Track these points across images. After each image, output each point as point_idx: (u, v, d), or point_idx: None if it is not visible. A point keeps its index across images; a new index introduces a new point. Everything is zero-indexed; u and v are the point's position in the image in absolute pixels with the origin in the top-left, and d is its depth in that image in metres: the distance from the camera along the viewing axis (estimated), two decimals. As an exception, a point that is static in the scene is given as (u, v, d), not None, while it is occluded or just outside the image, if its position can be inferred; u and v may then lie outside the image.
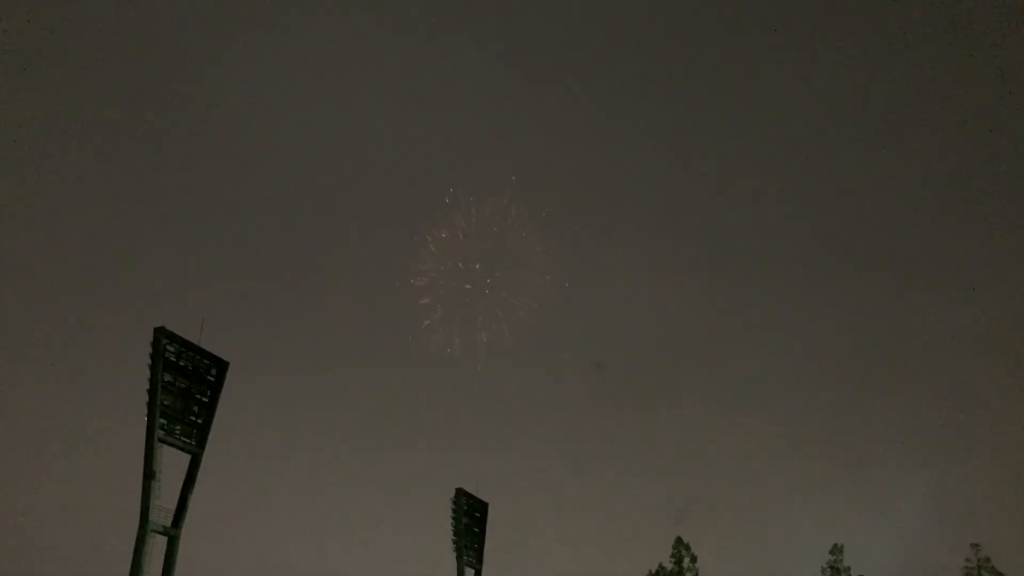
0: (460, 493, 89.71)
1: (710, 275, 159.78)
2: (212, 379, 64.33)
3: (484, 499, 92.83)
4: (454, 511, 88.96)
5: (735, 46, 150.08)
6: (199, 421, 63.05)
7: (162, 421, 59.71)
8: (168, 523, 59.39)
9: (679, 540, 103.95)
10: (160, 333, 60.70)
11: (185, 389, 62.21)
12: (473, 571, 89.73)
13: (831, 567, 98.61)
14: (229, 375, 65.16)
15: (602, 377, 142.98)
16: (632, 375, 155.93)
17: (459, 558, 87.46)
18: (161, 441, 59.26)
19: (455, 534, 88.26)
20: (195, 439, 62.57)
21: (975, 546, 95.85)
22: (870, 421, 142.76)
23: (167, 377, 60.71)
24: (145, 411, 59.32)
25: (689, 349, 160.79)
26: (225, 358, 65.00)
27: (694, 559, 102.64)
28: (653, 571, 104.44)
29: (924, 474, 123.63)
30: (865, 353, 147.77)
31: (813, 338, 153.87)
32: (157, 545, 58.28)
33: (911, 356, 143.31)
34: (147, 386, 59.80)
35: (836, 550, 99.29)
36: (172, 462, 60.37)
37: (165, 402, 60.18)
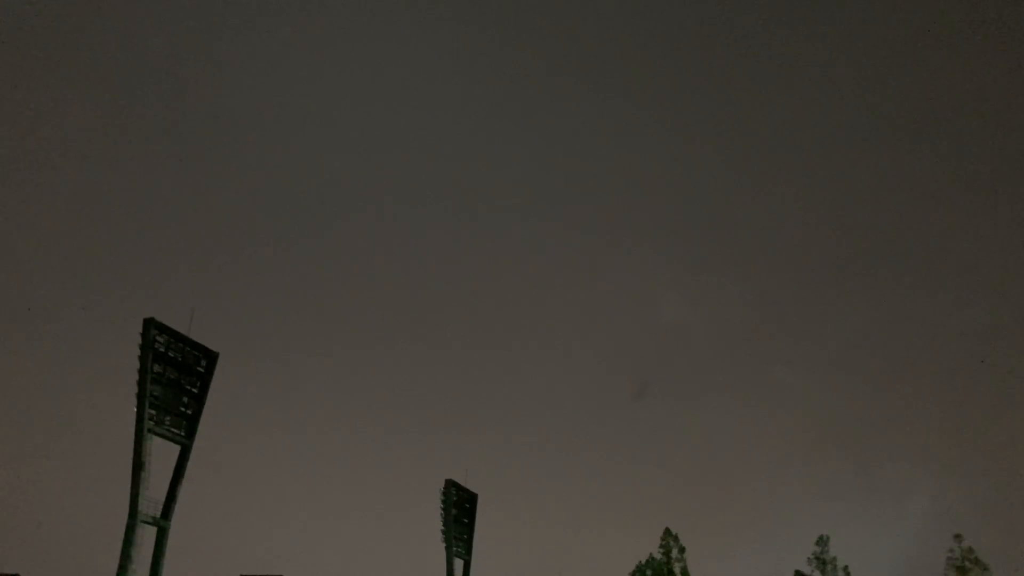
0: (449, 484, 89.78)
1: (722, 275, 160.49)
2: (202, 370, 64.23)
3: (473, 490, 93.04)
4: (443, 502, 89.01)
5: (760, 50, 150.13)
6: (189, 412, 62.98)
7: (152, 412, 59.57)
8: (157, 514, 59.40)
9: (667, 531, 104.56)
10: (150, 324, 60.44)
11: (175, 380, 62.07)
12: (462, 562, 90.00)
13: (817, 558, 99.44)
14: (219, 366, 65.24)
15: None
16: (630, 373, 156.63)
17: (448, 549, 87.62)
18: (151, 432, 59.13)
19: (444, 525, 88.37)
20: (185, 430, 62.50)
21: (958, 537, 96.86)
22: (876, 421, 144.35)
23: (157, 368, 60.54)
24: (135, 402, 59.24)
25: (689, 349, 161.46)
26: (215, 349, 65.08)
27: (682, 550, 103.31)
28: (642, 562, 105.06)
29: (922, 471, 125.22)
30: (879, 355, 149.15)
31: (829, 341, 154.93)
32: (146, 536, 58.41)
33: (919, 356, 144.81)
34: (136, 377, 59.68)
35: (822, 541, 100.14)
36: (162, 453, 60.43)
37: (155, 393, 60.03)
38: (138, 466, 57.84)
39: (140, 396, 59.21)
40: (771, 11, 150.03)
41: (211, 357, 64.88)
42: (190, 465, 62.58)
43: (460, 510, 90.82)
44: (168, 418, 61.31)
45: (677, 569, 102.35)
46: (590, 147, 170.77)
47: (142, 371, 59.68)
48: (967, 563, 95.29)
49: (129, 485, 57.56)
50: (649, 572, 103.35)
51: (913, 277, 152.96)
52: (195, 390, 63.67)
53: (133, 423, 58.85)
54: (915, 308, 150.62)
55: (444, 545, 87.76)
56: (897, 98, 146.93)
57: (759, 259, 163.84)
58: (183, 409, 62.63)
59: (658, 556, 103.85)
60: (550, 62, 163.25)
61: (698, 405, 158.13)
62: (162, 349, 61.29)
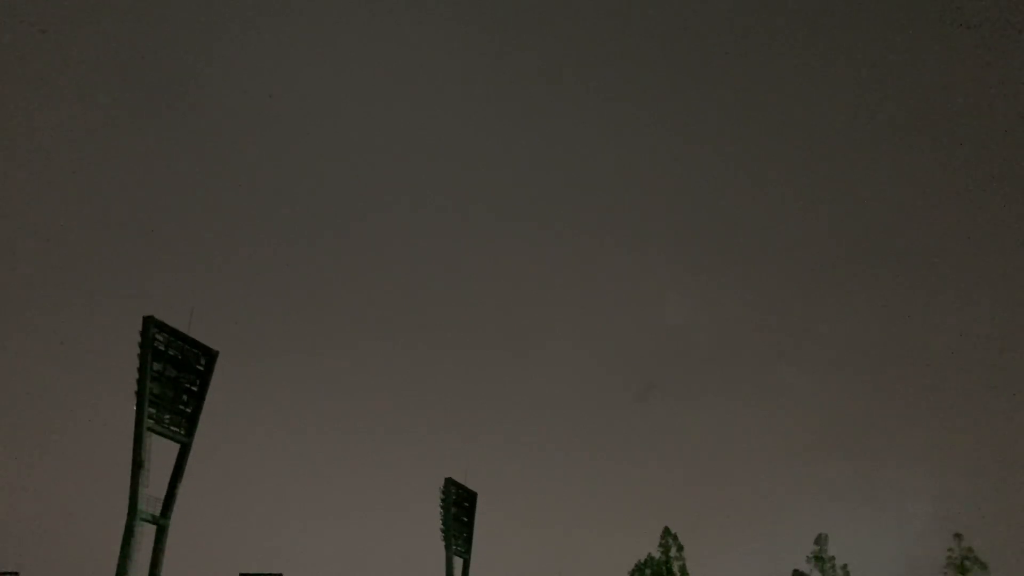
0: (449, 482, 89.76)
1: (723, 276, 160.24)
2: (201, 368, 64.10)
3: (473, 488, 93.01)
4: (443, 500, 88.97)
5: (760, 51, 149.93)
6: (188, 410, 62.86)
7: (151, 410, 59.49)
8: (157, 512, 59.35)
9: (667, 530, 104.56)
10: (149, 322, 60.32)
11: (174, 378, 61.96)
12: (462, 560, 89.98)
13: (816, 557, 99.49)
14: (218, 364, 65.14)
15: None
16: (630, 373, 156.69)
17: (448, 547, 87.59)
18: (150, 430, 59.04)
19: (444, 523, 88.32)
20: (184, 428, 62.39)
21: (958, 536, 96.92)
22: (876, 421, 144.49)
23: (156, 366, 60.43)
24: (134, 400, 59.20)
25: (689, 349, 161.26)
26: (214, 347, 64.98)
27: (681, 549, 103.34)
28: (641, 561, 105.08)
29: (923, 472, 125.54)
30: (879, 355, 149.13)
31: (829, 341, 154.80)
32: (146, 534, 58.38)
33: (919, 356, 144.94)
34: (136, 375, 59.60)
35: (820, 540, 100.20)
36: (161, 451, 60.38)
37: (154, 391, 59.94)
38: (137, 464, 57.78)
39: (139, 394, 59.11)
40: (771, 11, 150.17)
41: (211, 355, 64.78)
42: (189, 463, 62.57)
43: (460, 509, 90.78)
44: (168, 416, 61.22)
45: (676, 568, 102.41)
46: (590, 148, 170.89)
47: (142, 369, 59.58)
48: (966, 563, 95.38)
49: (128, 483, 57.62)
50: (648, 571, 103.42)
51: (913, 277, 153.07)
52: (195, 388, 63.56)
53: (132, 421, 58.93)
54: (915, 308, 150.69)
55: (444, 544, 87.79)
56: (897, 98, 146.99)
57: (760, 260, 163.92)
58: (183, 407, 62.54)
59: (657, 555, 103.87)
60: (551, 62, 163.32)
61: (698, 405, 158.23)
62: (162, 347, 61.19)
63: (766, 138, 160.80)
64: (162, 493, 60.32)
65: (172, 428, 61.50)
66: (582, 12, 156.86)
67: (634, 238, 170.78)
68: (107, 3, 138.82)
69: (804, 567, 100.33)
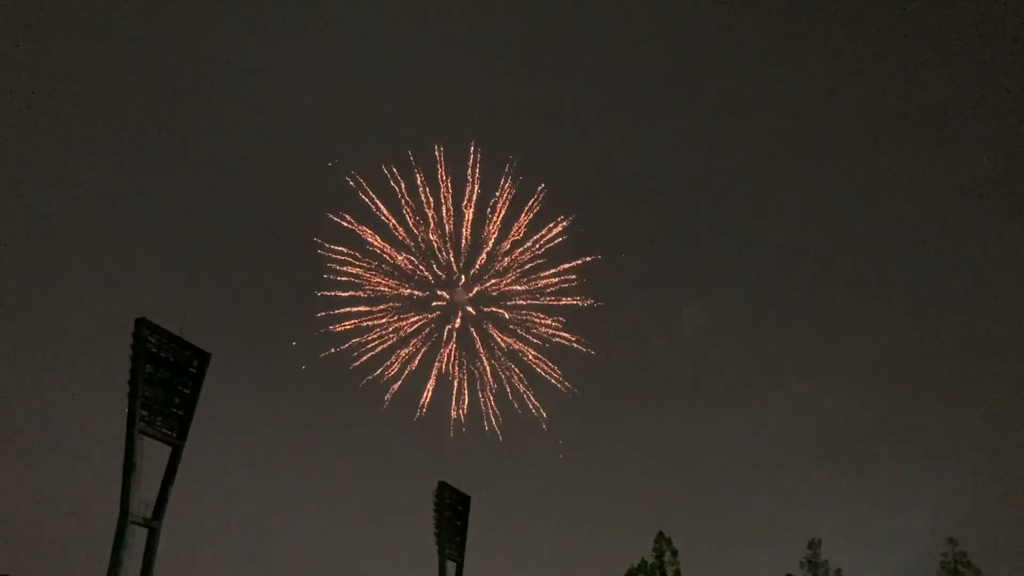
0: (442, 486, 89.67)
1: (727, 283, 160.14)
2: (194, 370, 64.01)
3: (466, 492, 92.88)
4: (436, 504, 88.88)
5: (766, 56, 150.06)
6: (180, 413, 62.75)
7: (143, 413, 59.44)
8: (148, 515, 59.20)
9: (660, 534, 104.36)
10: (142, 324, 60.36)
11: (167, 380, 61.89)
12: (455, 565, 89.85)
13: (809, 561, 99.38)
14: (210, 366, 64.97)
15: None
16: (623, 373, 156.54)
17: (441, 551, 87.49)
18: (142, 433, 59.00)
19: (437, 527, 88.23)
20: (176, 431, 62.30)
21: (952, 541, 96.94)
22: (875, 425, 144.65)
23: (148, 368, 60.42)
24: (126, 402, 59.11)
25: (683, 347, 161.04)
26: (207, 349, 64.87)
27: (675, 553, 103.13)
28: (634, 566, 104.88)
29: (921, 476, 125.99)
30: (877, 359, 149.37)
31: (828, 346, 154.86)
32: (137, 537, 58.18)
33: (919, 360, 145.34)
34: (128, 377, 59.59)
35: (813, 544, 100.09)
36: (153, 454, 60.23)
37: (146, 393, 59.90)
38: (129, 467, 57.68)
39: (132, 396, 59.10)
40: (769, 13, 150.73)
41: (203, 357, 64.69)
42: (181, 466, 62.39)
43: (453, 512, 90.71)
44: (160, 419, 61.12)
45: (671, 573, 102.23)
46: (593, 153, 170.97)
47: (134, 371, 59.57)
48: (960, 567, 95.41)
49: (120, 486, 57.46)
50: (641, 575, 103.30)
51: (915, 285, 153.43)
52: (187, 391, 63.45)
53: (124, 423, 58.80)
54: (917, 315, 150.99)
55: (437, 548, 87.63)
56: (911, 106, 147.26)
57: (763, 267, 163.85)
58: (175, 410, 62.43)
59: (651, 560, 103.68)
60: (559, 62, 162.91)
61: (694, 409, 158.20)
62: (154, 349, 61.16)
63: (775, 146, 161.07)
64: (154, 496, 60.18)
65: (164, 430, 61.38)
66: (581, 14, 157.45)
67: (643, 243, 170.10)
68: (107, 5, 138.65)
69: (797, 572, 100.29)
